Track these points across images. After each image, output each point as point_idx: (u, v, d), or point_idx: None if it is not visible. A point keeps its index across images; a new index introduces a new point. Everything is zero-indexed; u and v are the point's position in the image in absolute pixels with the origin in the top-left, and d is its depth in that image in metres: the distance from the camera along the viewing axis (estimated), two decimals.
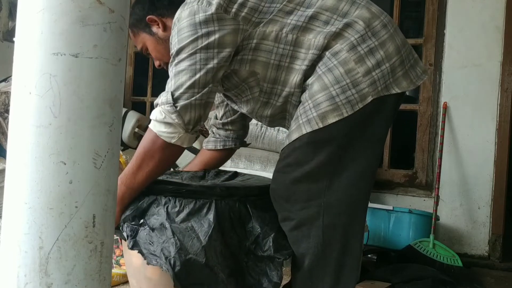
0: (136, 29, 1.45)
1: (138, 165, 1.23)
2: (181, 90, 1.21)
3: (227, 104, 1.59)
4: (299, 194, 1.24)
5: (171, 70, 1.25)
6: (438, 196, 2.68)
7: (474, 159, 2.78)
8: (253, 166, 2.69)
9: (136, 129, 3.48)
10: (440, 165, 2.73)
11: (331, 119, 1.20)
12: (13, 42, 3.65)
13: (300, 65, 1.26)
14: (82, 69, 0.89)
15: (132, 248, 1.22)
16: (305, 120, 1.22)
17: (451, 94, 2.84)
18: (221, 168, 1.66)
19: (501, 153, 2.75)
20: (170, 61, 1.26)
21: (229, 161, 2.72)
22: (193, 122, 1.23)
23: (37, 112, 0.88)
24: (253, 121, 2.77)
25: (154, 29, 1.41)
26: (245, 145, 1.75)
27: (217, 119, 1.65)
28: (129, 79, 3.96)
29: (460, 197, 2.81)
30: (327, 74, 1.22)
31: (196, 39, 1.21)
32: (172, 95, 1.21)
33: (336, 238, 1.23)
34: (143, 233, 1.24)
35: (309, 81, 1.25)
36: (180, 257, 1.19)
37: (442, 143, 2.76)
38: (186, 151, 3.35)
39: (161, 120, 1.21)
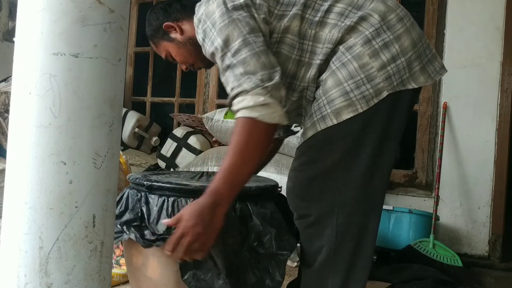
0: (156, 39, 1.47)
1: (243, 159, 1.16)
2: (260, 73, 1.16)
3: None
4: (315, 192, 1.24)
5: (229, 64, 1.19)
6: (438, 196, 2.68)
7: (474, 159, 2.78)
8: None
9: (136, 129, 3.48)
10: (440, 165, 2.73)
11: (346, 115, 1.19)
12: (13, 42, 3.65)
13: (315, 60, 1.25)
14: (82, 69, 0.89)
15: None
16: (320, 117, 1.22)
17: (451, 94, 2.84)
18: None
19: (501, 153, 2.74)
20: (221, 55, 1.21)
21: None
22: (284, 99, 1.19)
23: (37, 112, 0.88)
24: None
25: (173, 35, 1.42)
26: (293, 133, 1.69)
27: None
28: (129, 79, 3.96)
29: (460, 197, 2.81)
30: (341, 69, 1.21)
31: (236, 25, 1.20)
32: (257, 78, 1.16)
33: (349, 237, 1.23)
34: (146, 235, 1.24)
35: (323, 76, 1.24)
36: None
37: (442, 143, 2.76)
38: (185, 151, 3.34)
39: (259, 103, 1.14)
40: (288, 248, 1.27)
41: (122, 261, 2.03)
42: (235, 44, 1.19)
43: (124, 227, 1.25)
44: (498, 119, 2.74)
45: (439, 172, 2.72)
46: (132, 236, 1.23)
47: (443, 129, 2.77)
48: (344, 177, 1.22)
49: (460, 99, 2.81)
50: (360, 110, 1.19)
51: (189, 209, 1.15)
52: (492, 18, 2.75)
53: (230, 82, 1.19)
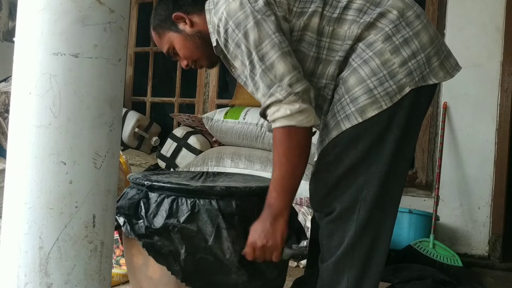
0: (162, 29, 1.42)
1: (292, 167, 1.21)
2: (288, 77, 1.18)
3: None
4: (340, 190, 1.25)
5: (258, 70, 1.20)
6: (438, 196, 2.68)
7: (474, 159, 2.78)
8: (253, 166, 2.69)
9: (136, 129, 3.48)
10: (440, 165, 2.73)
11: (370, 113, 1.20)
12: (13, 42, 3.65)
13: (334, 57, 1.26)
14: (82, 69, 0.89)
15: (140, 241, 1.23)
16: (344, 116, 1.22)
17: (451, 94, 2.83)
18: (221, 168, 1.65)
19: (501, 153, 2.74)
20: (249, 59, 1.22)
21: (229, 161, 2.73)
22: (313, 99, 1.22)
23: (37, 112, 0.88)
24: (253, 121, 2.77)
25: (181, 26, 1.38)
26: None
27: None
28: (129, 79, 3.96)
29: (460, 197, 2.81)
30: (363, 67, 1.21)
31: (262, 26, 1.19)
32: (287, 85, 1.18)
33: (367, 232, 1.24)
34: (141, 227, 1.24)
35: (343, 74, 1.24)
36: (190, 258, 1.20)
37: (442, 143, 2.76)
38: (185, 151, 3.34)
39: (296, 110, 1.17)
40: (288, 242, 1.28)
41: (122, 261, 2.03)
42: (262, 46, 1.19)
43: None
44: (498, 119, 2.74)
45: (439, 172, 2.72)
46: (121, 220, 1.23)
47: (443, 129, 2.77)
48: (368, 174, 1.23)
49: (460, 99, 2.81)
50: (385, 107, 1.19)
51: (255, 230, 1.24)
52: (492, 18, 2.75)
53: (261, 88, 1.21)
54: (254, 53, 1.20)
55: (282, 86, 1.17)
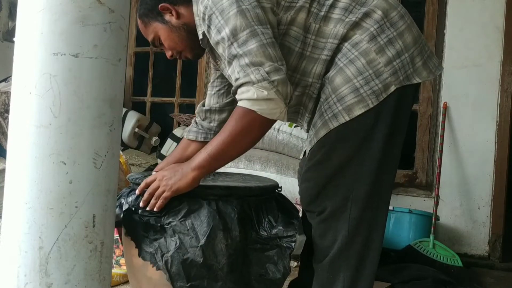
0: (148, 18, 1.41)
1: (232, 142, 1.20)
2: (267, 64, 1.16)
3: (221, 94, 1.55)
4: (330, 189, 1.25)
5: (236, 54, 1.19)
6: (438, 196, 2.68)
7: (474, 159, 2.78)
8: (253, 166, 2.69)
9: (136, 129, 3.48)
10: (440, 165, 2.73)
11: (358, 111, 1.21)
12: (13, 42, 3.65)
13: (319, 55, 1.26)
14: (82, 69, 0.89)
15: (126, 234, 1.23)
16: (331, 115, 1.23)
17: (451, 94, 2.84)
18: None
19: (501, 153, 2.74)
20: (227, 45, 1.20)
21: None
22: (289, 96, 1.20)
23: (37, 112, 0.88)
24: None
25: (167, 17, 1.37)
26: None
27: (203, 106, 1.58)
28: (129, 79, 3.96)
29: (460, 197, 2.81)
30: (349, 66, 1.22)
31: (244, 15, 1.18)
32: (264, 71, 1.16)
33: (360, 231, 1.24)
34: (135, 221, 1.24)
35: (330, 74, 1.25)
36: (178, 256, 1.19)
37: (442, 143, 2.76)
38: None
39: (263, 97, 1.15)
40: (289, 241, 1.27)
41: (122, 261, 2.03)
42: (243, 34, 1.18)
43: None
44: (498, 119, 2.74)
45: (439, 172, 2.72)
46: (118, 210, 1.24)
47: (443, 129, 2.77)
48: (357, 172, 1.23)
49: (460, 99, 2.81)
50: (371, 105, 1.21)
51: (170, 167, 1.27)
52: (492, 18, 2.75)
53: (236, 72, 1.19)
54: (233, 40, 1.19)
55: (259, 70, 1.15)
